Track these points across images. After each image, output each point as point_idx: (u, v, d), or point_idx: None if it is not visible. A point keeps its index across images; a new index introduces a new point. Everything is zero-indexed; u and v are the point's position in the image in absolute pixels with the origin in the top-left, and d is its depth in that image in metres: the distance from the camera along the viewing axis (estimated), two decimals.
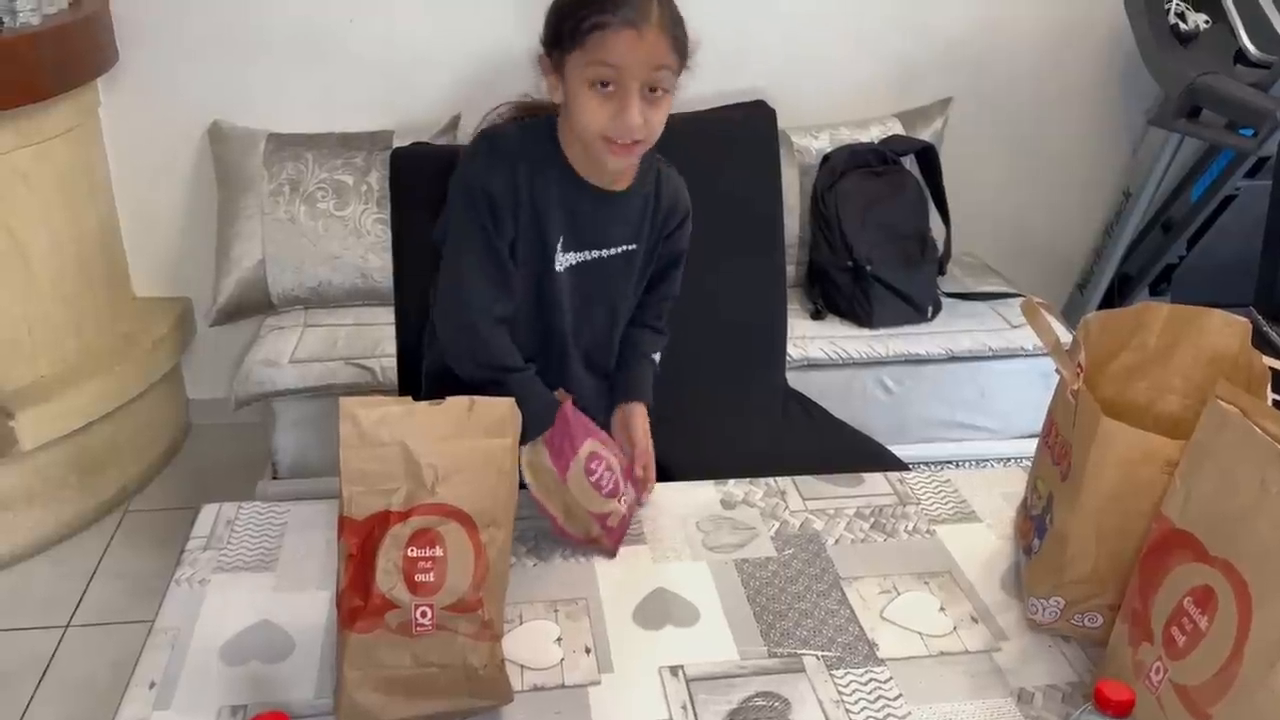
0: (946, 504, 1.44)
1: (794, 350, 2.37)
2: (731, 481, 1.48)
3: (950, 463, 2.55)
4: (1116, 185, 2.82)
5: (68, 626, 2.23)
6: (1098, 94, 2.96)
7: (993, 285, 2.80)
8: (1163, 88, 2.48)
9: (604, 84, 1.26)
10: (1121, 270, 2.76)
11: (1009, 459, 2.57)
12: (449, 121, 2.62)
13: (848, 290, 2.59)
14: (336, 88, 2.72)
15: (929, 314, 2.60)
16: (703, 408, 1.99)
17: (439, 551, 1.03)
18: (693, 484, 1.48)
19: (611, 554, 1.31)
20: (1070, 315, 2.82)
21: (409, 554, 1.03)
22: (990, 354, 2.50)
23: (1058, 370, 1.22)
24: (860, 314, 2.57)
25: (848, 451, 2.03)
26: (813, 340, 2.48)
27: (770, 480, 1.48)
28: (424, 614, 1.02)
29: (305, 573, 1.27)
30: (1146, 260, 2.73)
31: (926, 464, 2.52)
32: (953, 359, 2.49)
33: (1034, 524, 1.25)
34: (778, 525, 1.38)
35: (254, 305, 2.61)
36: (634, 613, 1.22)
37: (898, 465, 1.97)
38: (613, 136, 1.28)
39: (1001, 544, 1.36)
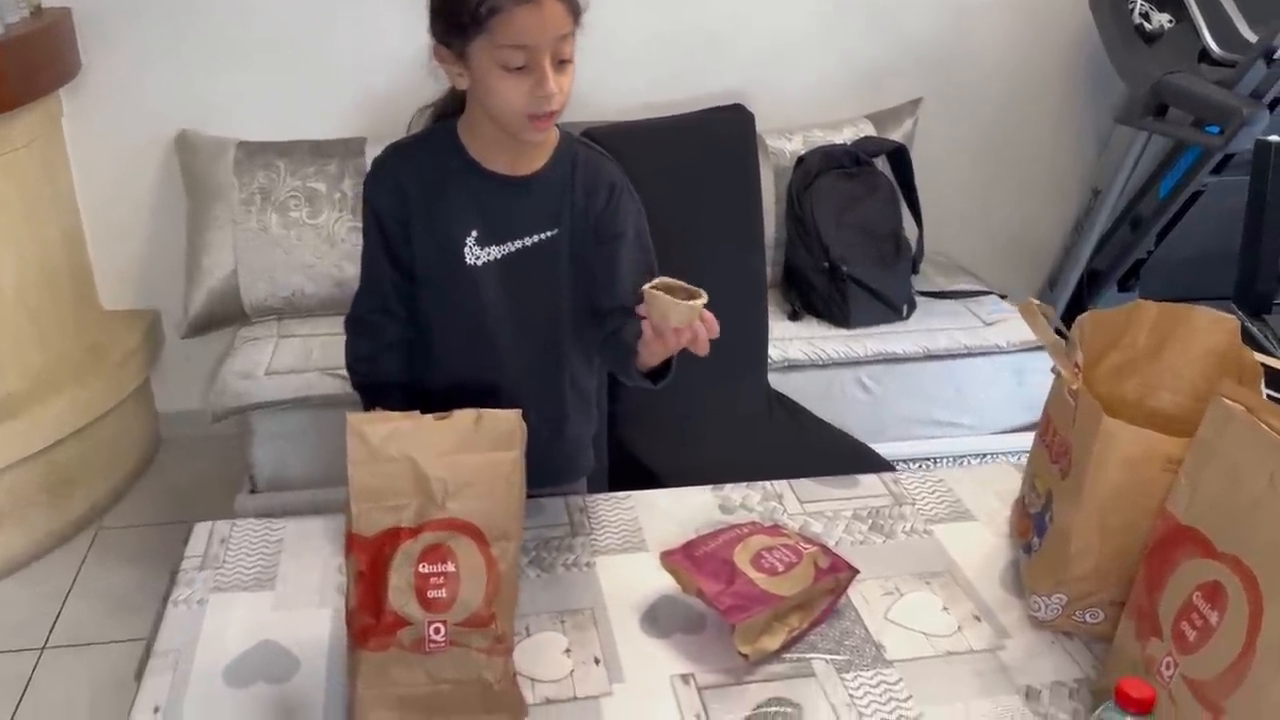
0: (942, 504, 1.46)
1: (774, 351, 2.38)
2: (728, 486, 1.48)
3: (929, 459, 2.57)
4: (1085, 183, 2.87)
5: (44, 648, 2.18)
6: (1065, 93, 3.00)
7: (965, 283, 2.83)
8: (1129, 86, 2.52)
9: (516, 65, 1.26)
10: (1090, 266, 2.80)
11: (986, 455, 2.60)
12: (409, 129, 2.59)
13: (824, 291, 2.61)
14: (307, 94, 2.69)
15: (904, 313, 2.62)
16: (690, 411, 1.99)
17: (451, 567, 1.02)
18: (689, 489, 1.47)
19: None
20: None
21: (420, 570, 1.01)
22: (966, 351, 2.53)
23: (1054, 370, 1.24)
24: (837, 314, 2.59)
25: (835, 453, 2.05)
26: (792, 341, 2.49)
27: (766, 484, 1.49)
28: (437, 631, 1.01)
29: (304, 590, 1.25)
30: (1115, 256, 2.77)
31: (906, 462, 2.55)
32: (930, 357, 2.51)
33: (1033, 521, 1.27)
34: (773, 524, 1.38)
35: (226, 316, 2.57)
36: (641, 620, 1.22)
37: (885, 466, 1.99)
38: (534, 110, 1.28)
39: (998, 542, 1.38)
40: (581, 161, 1.41)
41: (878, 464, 2.01)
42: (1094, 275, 2.82)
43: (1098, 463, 1.11)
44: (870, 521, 1.41)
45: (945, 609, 1.25)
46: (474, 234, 1.38)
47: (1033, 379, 2.57)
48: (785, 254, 2.71)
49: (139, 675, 1.25)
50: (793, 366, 2.45)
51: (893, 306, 2.61)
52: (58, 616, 2.27)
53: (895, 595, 1.27)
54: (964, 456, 2.60)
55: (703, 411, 2.03)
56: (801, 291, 2.66)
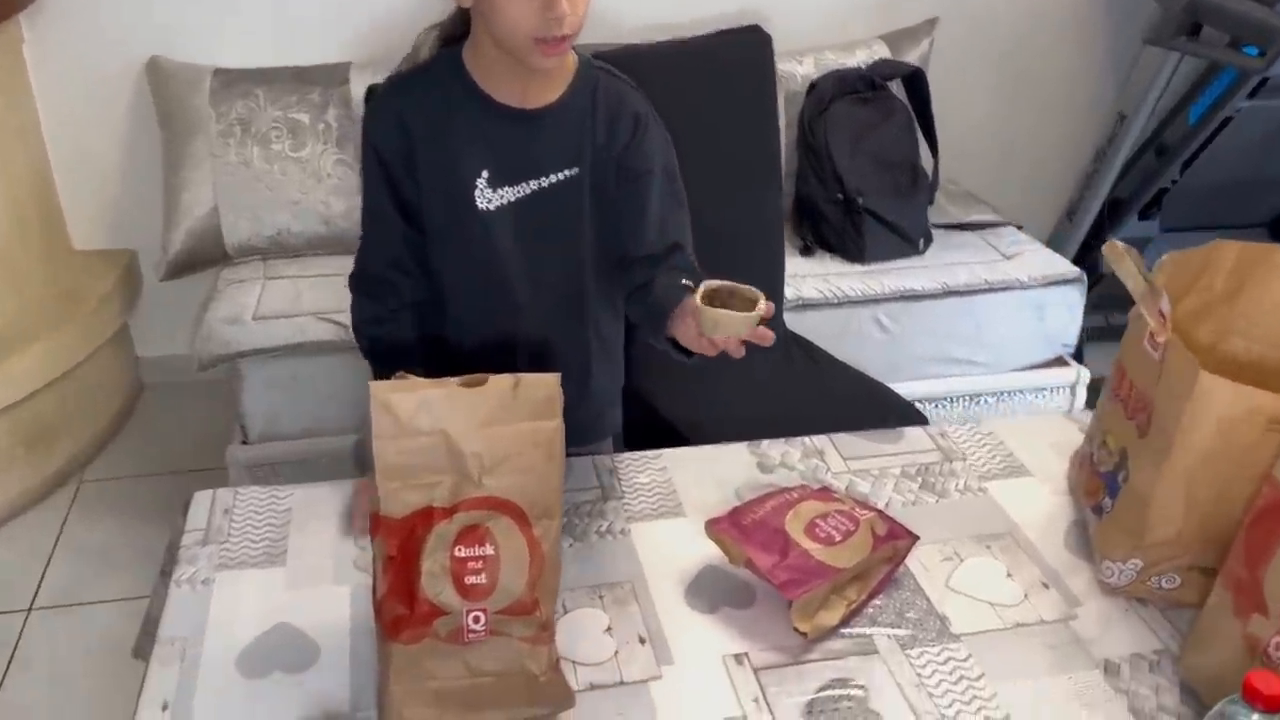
0: (994, 458, 1.37)
1: (788, 290, 2.27)
2: (765, 442, 1.38)
3: (945, 399, 2.49)
4: (1108, 108, 2.74)
5: (30, 610, 2.08)
6: (1090, 11, 2.86)
7: (981, 214, 2.72)
8: (1160, 4, 2.38)
9: None
10: (1112, 195, 2.69)
11: (1005, 393, 2.52)
12: (411, 52, 2.43)
13: (838, 224, 2.49)
14: (287, 16, 2.51)
15: (921, 246, 2.51)
16: (706, 359, 1.88)
17: (490, 549, 0.92)
18: (723, 447, 1.38)
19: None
20: (1057, 244, 2.75)
21: (457, 554, 0.92)
22: (987, 287, 2.42)
23: (1141, 316, 1.13)
24: (851, 248, 2.48)
25: (857, 396, 1.95)
26: (805, 279, 2.38)
27: (806, 439, 1.39)
28: (477, 620, 0.92)
29: (319, 566, 1.15)
30: (1138, 184, 2.66)
31: (922, 401, 2.46)
32: (949, 293, 2.41)
33: (1104, 482, 1.18)
34: (822, 486, 1.29)
35: (207, 257, 2.42)
36: (685, 594, 1.13)
37: (908, 409, 1.90)
38: (543, 34, 1.14)
39: (1058, 500, 1.29)
40: (603, 90, 1.28)
41: (900, 407, 1.93)
42: (1115, 204, 2.71)
43: (1190, 422, 1.02)
44: (920, 479, 1.32)
45: (1009, 575, 1.17)
46: (485, 175, 1.25)
47: (1054, 314, 2.48)
48: (796, 185, 2.59)
49: (138, 653, 1.16)
50: (808, 305, 2.34)
51: (909, 240, 2.49)
52: (42, 576, 2.16)
53: (955, 561, 1.19)
54: (981, 395, 2.52)
55: (721, 358, 1.92)
56: (814, 225, 2.54)
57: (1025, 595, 1.14)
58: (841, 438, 1.40)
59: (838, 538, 1.11)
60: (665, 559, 1.17)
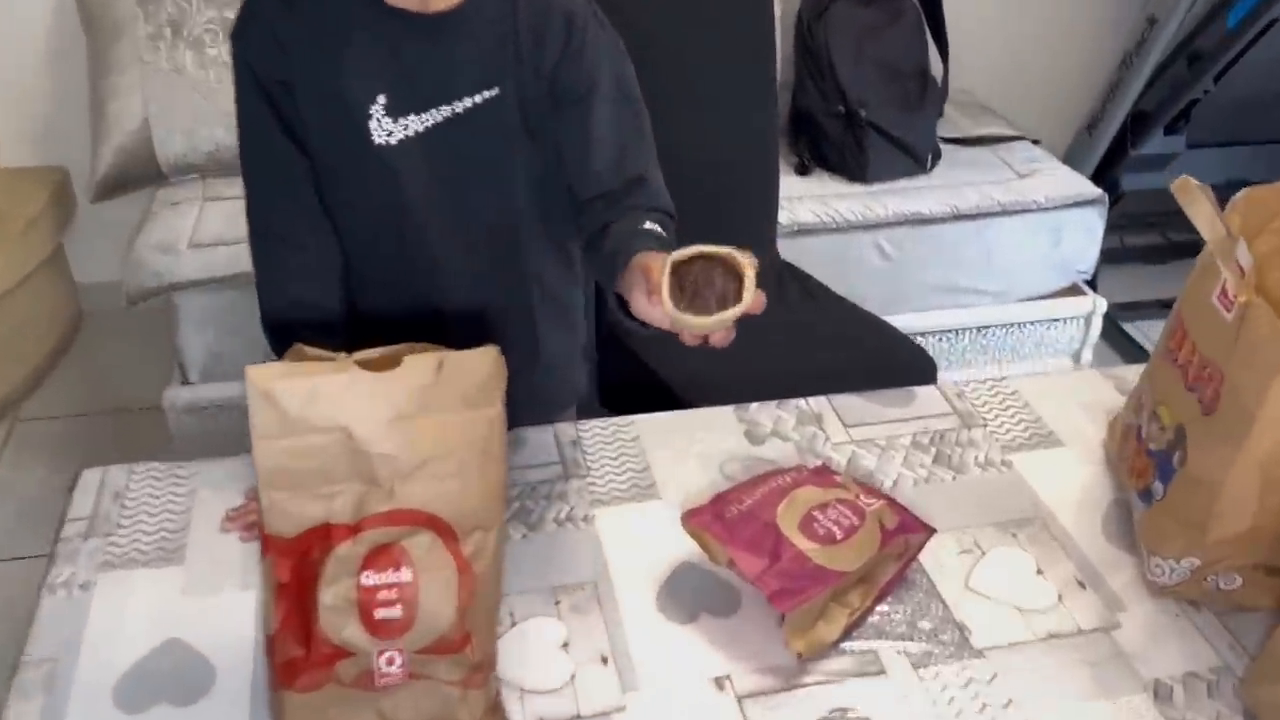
0: (1018, 423, 1.18)
1: (781, 215, 2.05)
2: (754, 406, 1.19)
3: (952, 331, 2.30)
4: (1136, 11, 2.48)
5: None
6: None
7: (993, 127, 2.49)
8: None
9: None
10: (1136, 107, 2.46)
11: (1015, 324, 2.33)
12: None
13: (838, 139, 2.26)
14: None
15: (928, 164, 2.30)
16: None
17: (406, 575, 0.73)
18: (707, 413, 1.19)
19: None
20: (1075, 159, 2.53)
21: (364, 582, 0.73)
22: (1000, 210, 2.21)
23: (1209, 266, 0.93)
24: (852, 166, 2.26)
25: (857, 336, 1.76)
26: (801, 201, 2.16)
27: (802, 402, 1.20)
28: (391, 661, 0.74)
29: (221, 564, 0.97)
30: (1166, 96, 2.43)
31: (925, 334, 2.28)
32: (957, 217, 2.20)
33: (1154, 461, 0.99)
34: (820, 464, 1.11)
35: (141, 175, 2.19)
36: (658, 598, 0.95)
37: (916, 352, 1.71)
38: None
39: (1095, 473, 1.11)
40: None
41: (905, 349, 1.74)
42: (1139, 117, 2.48)
43: (1276, 403, 0.83)
44: (934, 451, 1.14)
45: (1040, 572, 0.99)
46: (381, 100, 1.00)
47: (1071, 238, 2.28)
48: (794, 96, 2.35)
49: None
50: (803, 231, 2.13)
51: (916, 157, 2.27)
52: None
53: (975, 554, 1.01)
54: (989, 327, 2.33)
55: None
56: (812, 140, 2.32)
57: (1059, 597, 0.97)
58: (843, 400, 1.21)
59: (839, 534, 0.93)
60: (635, 553, 0.99)
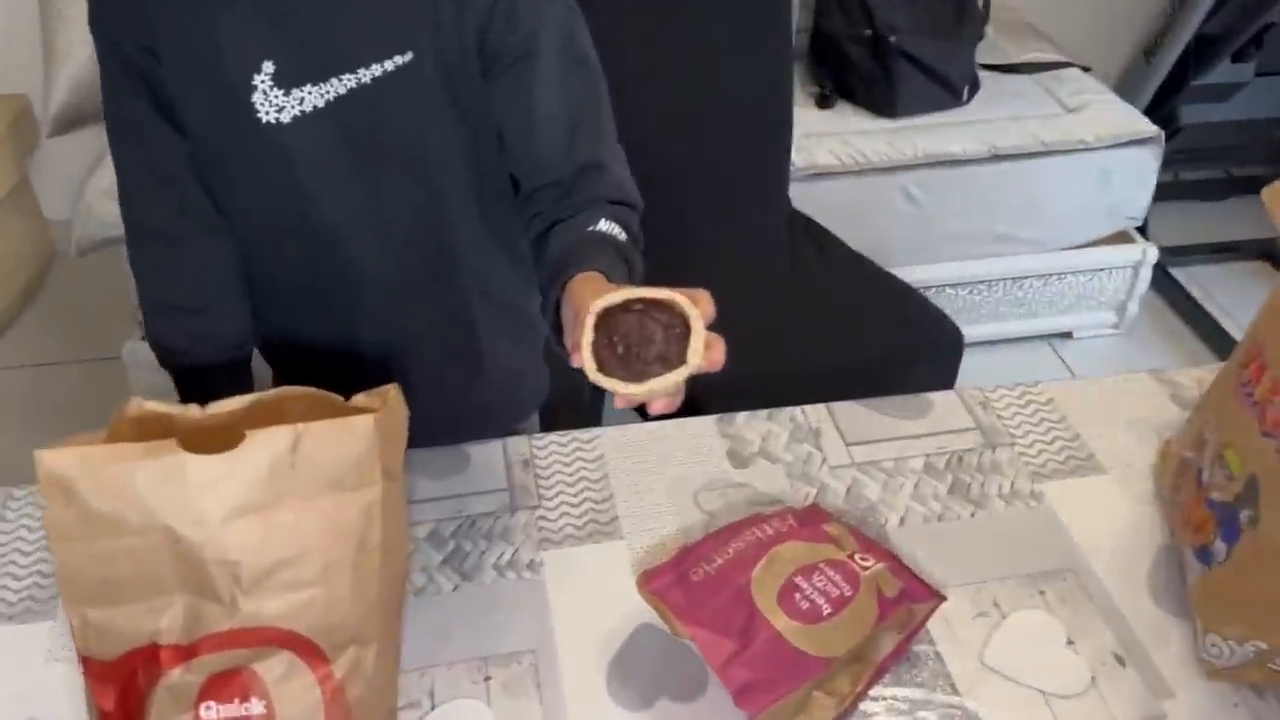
0: (1052, 442, 1.00)
1: (797, 156, 1.84)
2: (740, 418, 1.02)
3: (983, 283, 2.10)
4: None
5: None
6: None
7: (1039, 52, 2.24)
8: None
9: None
10: (1201, 30, 2.19)
11: (1053, 275, 2.13)
12: None
13: (864, 68, 2.03)
14: None
15: (964, 96, 2.06)
16: (687, 250, 1.50)
17: (257, 707, 0.58)
18: (684, 424, 1.01)
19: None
20: (1129, 89, 2.28)
21: (204, 716, 0.58)
22: (1042, 149, 1.99)
23: None
24: (879, 98, 2.03)
25: (877, 304, 1.57)
26: (820, 139, 1.95)
27: (797, 412, 1.03)
28: None
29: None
30: (1236, 18, 2.16)
31: (954, 286, 2.08)
32: (995, 157, 1.98)
33: (1216, 516, 0.82)
34: (814, 494, 0.94)
35: (98, 109, 2.00)
36: (608, 676, 0.80)
37: (947, 328, 1.52)
38: None
39: (1141, 512, 0.94)
40: None
41: (931, 319, 1.55)
42: (1203, 42, 2.22)
43: None
44: (950, 478, 0.96)
45: (1070, 643, 0.83)
46: (268, 69, 0.81)
47: (1122, 181, 2.05)
48: (815, 19, 2.11)
49: None
50: (821, 174, 1.92)
51: (951, 88, 2.04)
52: None
53: (993, 617, 0.84)
54: (1025, 278, 2.12)
55: (705, 252, 1.53)
56: (835, 69, 2.09)
57: (1093, 679, 0.80)
58: (845, 410, 1.03)
59: (826, 609, 0.76)
60: (587, 612, 0.84)
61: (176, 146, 0.85)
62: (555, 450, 0.98)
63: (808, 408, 1.03)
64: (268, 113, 0.81)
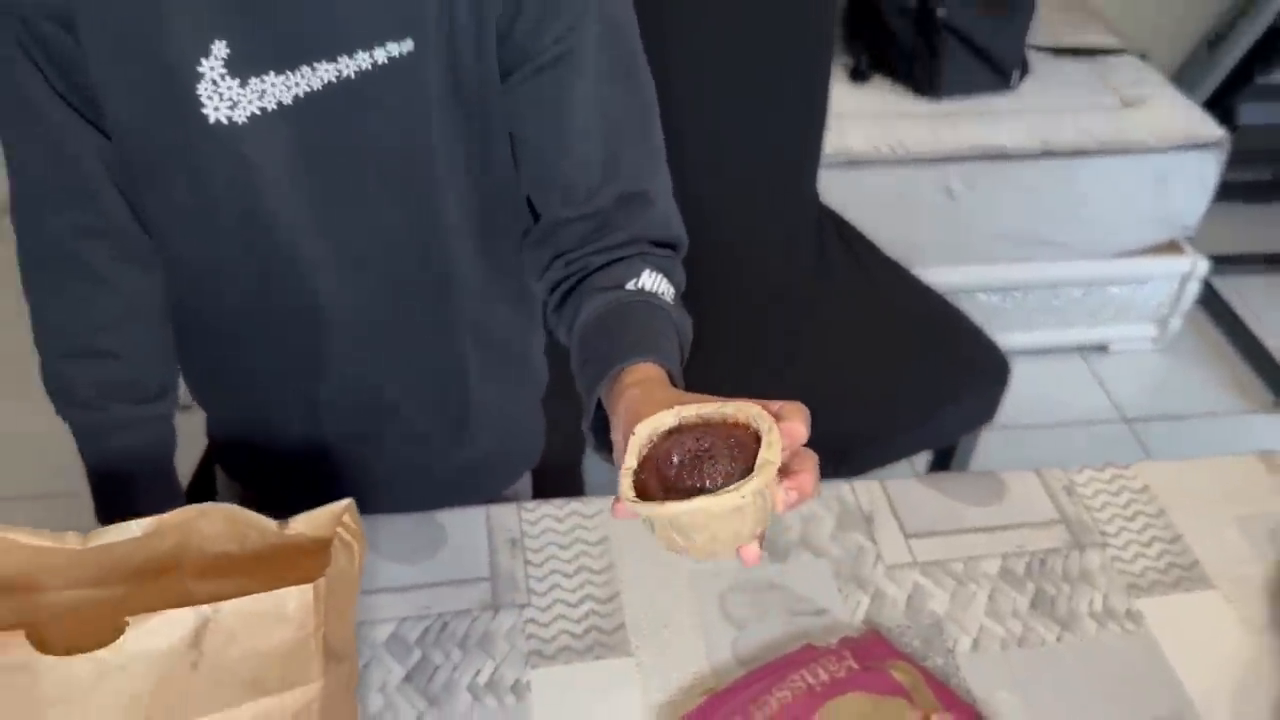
0: (1149, 544, 0.83)
1: (827, 141, 1.65)
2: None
3: (1017, 289, 1.92)
4: None
5: None
6: None
7: (1093, 35, 2.05)
8: None
9: None
10: (1274, 25, 2.00)
11: (1096, 284, 1.95)
12: None
13: (907, 43, 1.84)
14: None
15: (1013, 80, 1.87)
16: (707, 246, 1.32)
17: None
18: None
19: None
20: (1189, 80, 2.09)
21: None
22: (1097, 148, 1.80)
23: None
24: (921, 77, 1.84)
25: (916, 324, 1.40)
26: (854, 123, 1.75)
27: (846, 489, 0.85)
28: None
29: None
30: None
31: (986, 291, 1.91)
32: (1046, 154, 1.79)
33: None
34: (867, 603, 0.77)
35: None
36: None
37: (993, 355, 1.35)
38: None
39: (1255, 646, 0.77)
40: None
41: (973, 343, 1.38)
42: (1274, 35, 2.02)
43: None
44: (1032, 589, 0.79)
45: None
46: (219, 52, 0.60)
47: (1179, 187, 1.87)
48: None
49: None
50: (855, 163, 1.73)
51: (999, 70, 1.85)
52: None
53: None
54: (1063, 285, 1.95)
55: (726, 248, 1.35)
56: (873, 42, 1.89)
57: None
58: (902, 489, 0.86)
59: None
60: None
61: (88, 145, 0.65)
62: (550, 526, 0.80)
63: (858, 484, 0.86)
64: (217, 108, 0.62)
